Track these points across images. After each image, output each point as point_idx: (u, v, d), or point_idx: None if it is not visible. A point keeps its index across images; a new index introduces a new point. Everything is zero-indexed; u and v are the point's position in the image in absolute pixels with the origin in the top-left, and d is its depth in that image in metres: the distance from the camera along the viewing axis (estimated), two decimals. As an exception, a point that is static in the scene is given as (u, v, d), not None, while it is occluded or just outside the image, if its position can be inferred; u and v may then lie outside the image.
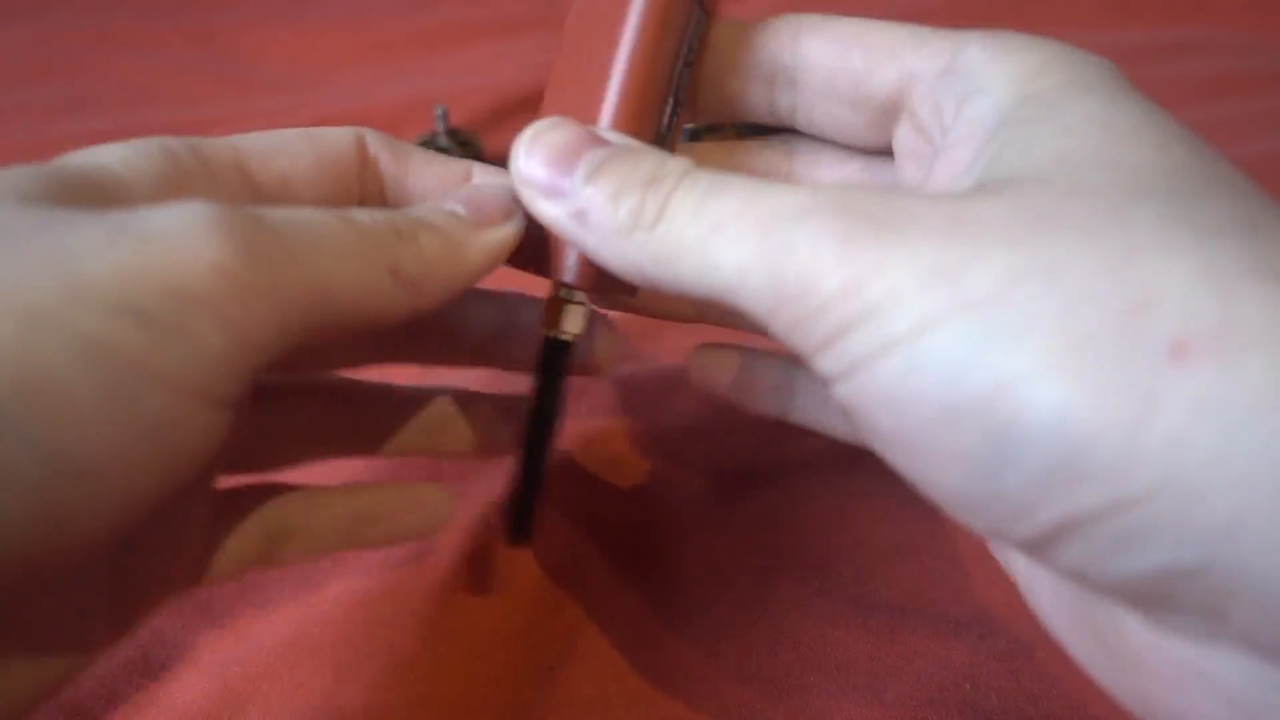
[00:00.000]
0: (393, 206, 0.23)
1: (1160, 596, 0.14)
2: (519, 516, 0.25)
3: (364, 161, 0.23)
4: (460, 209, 0.21)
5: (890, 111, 0.22)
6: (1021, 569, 0.20)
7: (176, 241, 0.15)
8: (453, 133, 0.48)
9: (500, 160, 0.22)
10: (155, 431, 0.15)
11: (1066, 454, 0.14)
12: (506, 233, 0.21)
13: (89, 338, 0.14)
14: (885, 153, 0.23)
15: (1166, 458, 0.13)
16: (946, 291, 0.15)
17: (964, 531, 0.29)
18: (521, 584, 0.28)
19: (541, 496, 0.25)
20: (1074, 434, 0.14)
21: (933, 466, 0.15)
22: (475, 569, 0.28)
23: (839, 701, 0.25)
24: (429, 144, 0.47)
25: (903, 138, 0.22)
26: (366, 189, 0.23)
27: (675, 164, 0.18)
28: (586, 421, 0.33)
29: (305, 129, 0.22)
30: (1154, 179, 0.15)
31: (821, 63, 0.22)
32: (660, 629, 0.27)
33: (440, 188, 0.23)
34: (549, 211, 0.19)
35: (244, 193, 0.21)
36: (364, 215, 0.19)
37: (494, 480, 0.31)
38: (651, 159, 0.19)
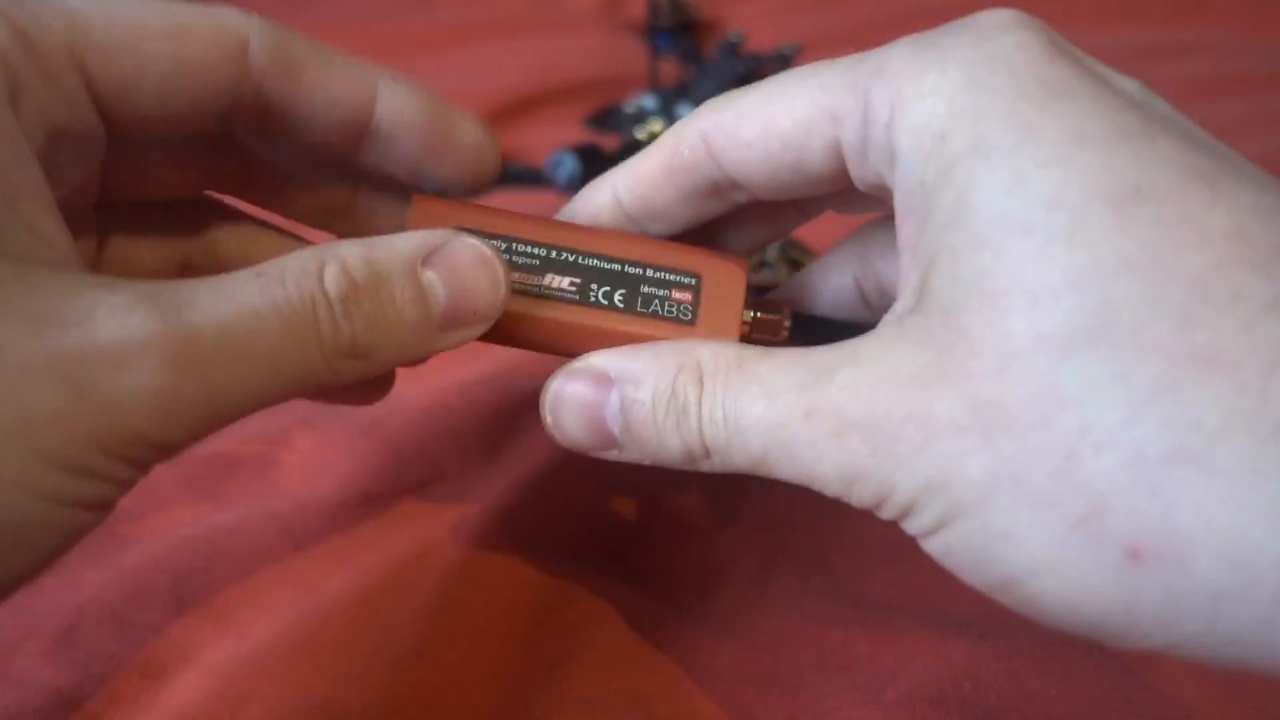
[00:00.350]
0: (276, 124, 0.21)
1: None
2: None
3: (242, 71, 0.20)
4: (440, 292, 0.19)
5: (841, 177, 0.21)
6: None
7: (130, 411, 0.16)
8: None
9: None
10: (69, 535, 0.16)
11: (1083, 627, 0.17)
12: (472, 336, 0.20)
13: (51, 495, 0.16)
14: None
15: (1164, 632, 0.16)
16: (944, 500, 0.17)
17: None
18: (521, 584, 0.28)
19: None
20: (1084, 615, 0.16)
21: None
22: (475, 569, 0.28)
23: (839, 701, 0.25)
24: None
25: (861, 186, 0.21)
26: (243, 102, 0.20)
27: (681, 384, 0.19)
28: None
29: (177, 18, 0.19)
30: (1072, 320, 0.16)
31: (749, 167, 0.21)
32: (660, 629, 0.27)
33: (341, 105, 0.21)
34: (619, 460, 0.21)
35: (79, 97, 0.18)
36: (326, 324, 0.17)
37: (497, 482, 0.31)
38: (654, 383, 0.20)
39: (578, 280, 0.22)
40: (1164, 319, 0.15)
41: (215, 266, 0.24)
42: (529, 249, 0.22)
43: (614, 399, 0.20)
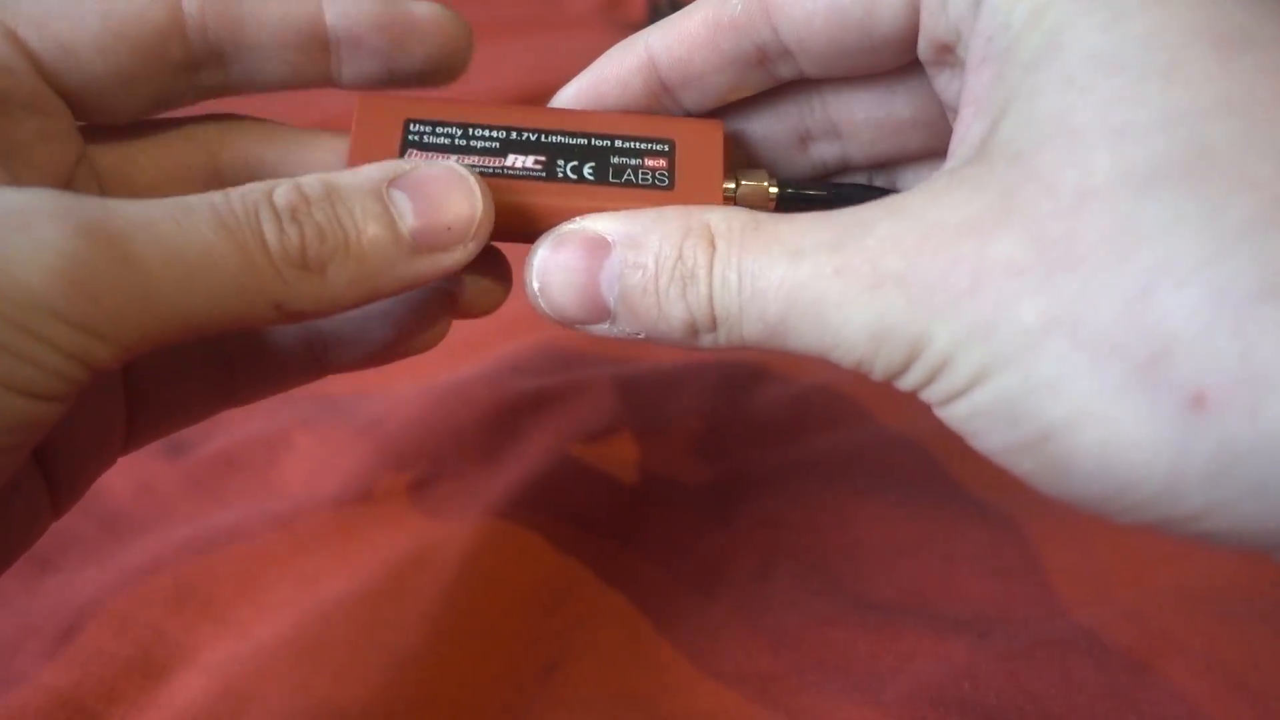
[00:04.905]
0: (238, 64, 0.21)
1: None
2: None
3: (175, 15, 0.20)
4: (409, 217, 0.18)
5: (908, 39, 0.20)
6: None
7: (31, 271, 0.15)
8: None
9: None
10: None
11: (1115, 487, 0.15)
12: (453, 261, 0.19)
13: None
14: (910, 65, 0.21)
15: (1207, 489, 0.14)
16: (988, 347, 0.16)
17: (964, 531, 0.29)
18: (521, 584, 0.28)
19: None
20: (1118, 473, 0.15)
21: (1014, 474, 0.17)
22: (475, 569, 0.28)
23: (839, 701, 0.25)
24: None
25: (924, 52, 0.20)
26: (192, 50, 0.20)
27: (689, 247, 0.18)
28: (587, 420, 0.33)
29: None
30: (1162, 156, 0.15)
31: (811, 26, 0.20)
32: (660, 629, 0.27)
33: (291, 23, 0.21)
34: (610, 335, 0.19)
35: (20, 64, 0.19)
36: (271, 231, 0.17)
37: (498, 482, 0.31)
38: (658, 247, 0.18)
39: (542, 158, 0.20)
40: (1263, 159, 0.14)
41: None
42: (488, 132, 0.21)
43: (611, 265, 0.19)
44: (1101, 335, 0.15)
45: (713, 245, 0.18)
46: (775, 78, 0.21)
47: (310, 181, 0.18)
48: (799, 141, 0.23)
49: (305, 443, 0.32)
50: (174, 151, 0.22)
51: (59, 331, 0.15)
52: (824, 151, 0.23)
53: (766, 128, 0.23)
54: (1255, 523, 0.15)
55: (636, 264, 0.18)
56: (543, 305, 0.19)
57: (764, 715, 0.25)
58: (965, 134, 0.18)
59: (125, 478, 0.31)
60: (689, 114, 0.22)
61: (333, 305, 0.18)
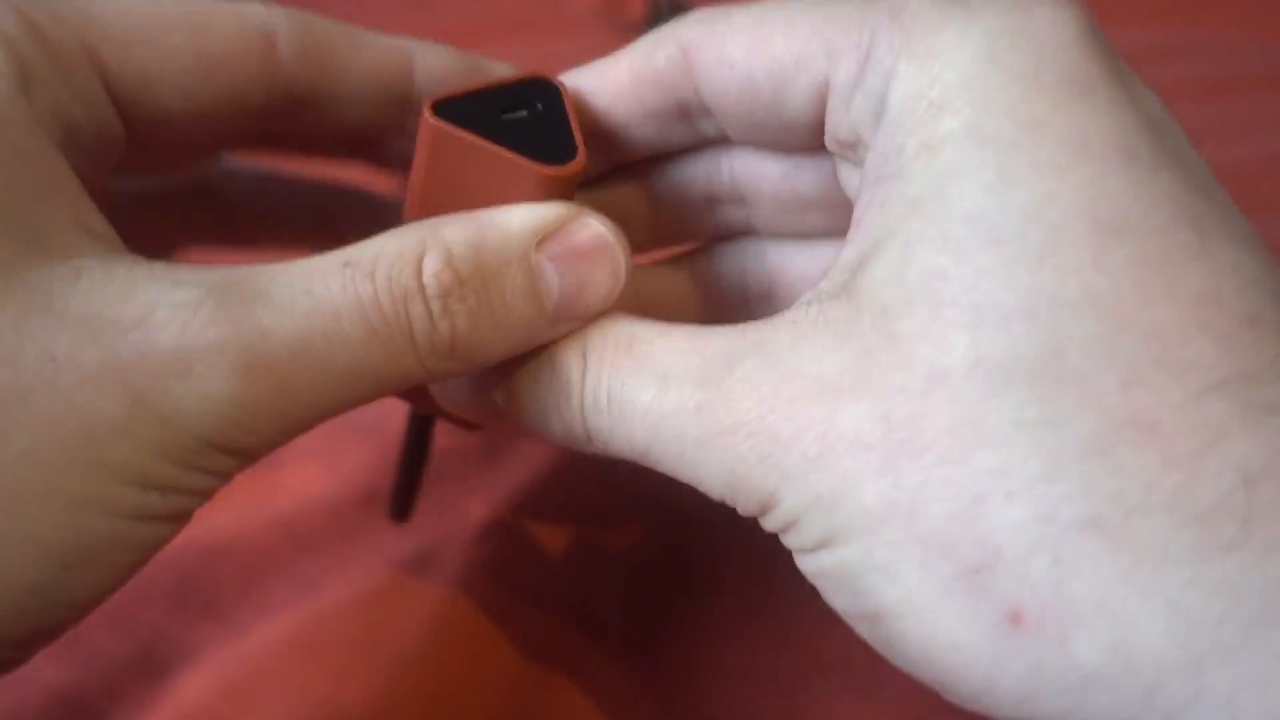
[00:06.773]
0: (312, 108, 0.20)
1: None
2: (400, 498, 0.28)
3: (269, 62, 0.19)
4: (554, 283, 0.17)
5: (816, 127, 0.19)
6: None
7: (196, 421, 0.15)
8: None
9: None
10: (146, 550, 0.17)
11: (937, 681, 0.16)
12: (581, 325, 0.18)
13: (122, 511, 0.15)
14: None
15: (1016, 705, 0.15)
16: (830, 520, 0.16)
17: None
18: (522, 583, 0.28)
19: (420, 481, 0.28)
20: (939, 667, 0.15)
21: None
22: (476, 569, 0.28)
23: (839, 701, 0.25)
24: None
25: (830, 144, 0.19)
26: (274, 93, 0.19)
27: (563, 364, 0.18)
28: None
29: (196, 10, 0.18)
30: (1016, 349, 0.15)
31: (726, 93, 0.19)
32: (660, 628, 0.27)
33: (379, 83, 0.20)
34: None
35: (94, 93, 0.17)
36: (422, 328, 0.16)
37: (498, 482, 0.31)
38: (536, 362, 0.18)
39: None
40: (1112, 371, 0.14)
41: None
42: None
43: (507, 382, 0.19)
44: (934, 532, 0.15)
45: (585, 359, 0.18)
46: (699, 134, 0.21)
47: (462, 251, 0.17)
48: (705, 202, 0.23)
49: (306, 443, 0.32)
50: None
51: (217, 461, 0.16)
52: (730, 215, 0.23)
53: (677, 185, 0.22)
54: None
55: (522, 377, 0.19)
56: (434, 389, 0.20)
57: (764, 714, 0.25)
58: (847, 253, 0.17)
59: (126, 477, 0.31)
60: (616, 165, 0.22)
61: (463, 374, 0.18)
